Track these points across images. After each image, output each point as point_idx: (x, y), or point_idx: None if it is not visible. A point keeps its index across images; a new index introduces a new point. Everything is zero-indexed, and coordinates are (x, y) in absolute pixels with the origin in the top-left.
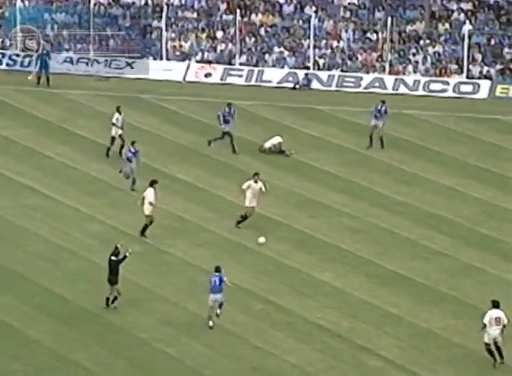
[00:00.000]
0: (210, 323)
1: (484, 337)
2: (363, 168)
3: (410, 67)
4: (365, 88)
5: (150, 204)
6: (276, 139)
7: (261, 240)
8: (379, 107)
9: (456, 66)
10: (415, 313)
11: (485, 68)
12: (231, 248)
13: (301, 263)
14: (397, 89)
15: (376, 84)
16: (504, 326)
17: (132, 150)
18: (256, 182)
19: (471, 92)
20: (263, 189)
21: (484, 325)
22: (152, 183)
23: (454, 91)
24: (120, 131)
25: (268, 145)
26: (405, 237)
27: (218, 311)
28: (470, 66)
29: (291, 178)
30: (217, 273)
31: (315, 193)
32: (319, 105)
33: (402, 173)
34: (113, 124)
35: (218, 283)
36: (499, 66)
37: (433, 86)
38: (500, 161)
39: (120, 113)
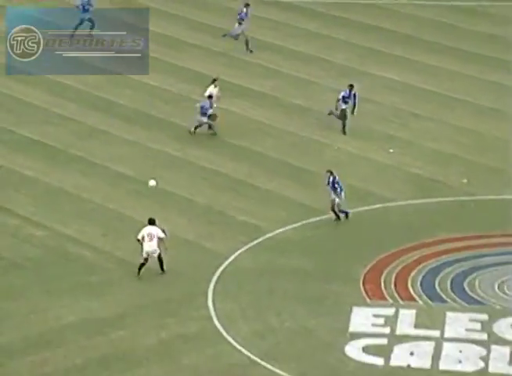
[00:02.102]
0: None
1: (142, 252)
2: None
3: None
4: None
5: None
6: None
7: (152, 183)
8: None
9: None
10: (49, 174)
11: None
12: None
13: None
14: None
15: None
16: (160, 238)
17: None
18: None
19: None
20: None
21: (138, 240)
22: None
23: None
24: None
25: None
26: (35, 105)
27: None
28: None
29: None
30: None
31: None
32: None
33: None
34: None
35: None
36: None
37: None
38: None
39: None
